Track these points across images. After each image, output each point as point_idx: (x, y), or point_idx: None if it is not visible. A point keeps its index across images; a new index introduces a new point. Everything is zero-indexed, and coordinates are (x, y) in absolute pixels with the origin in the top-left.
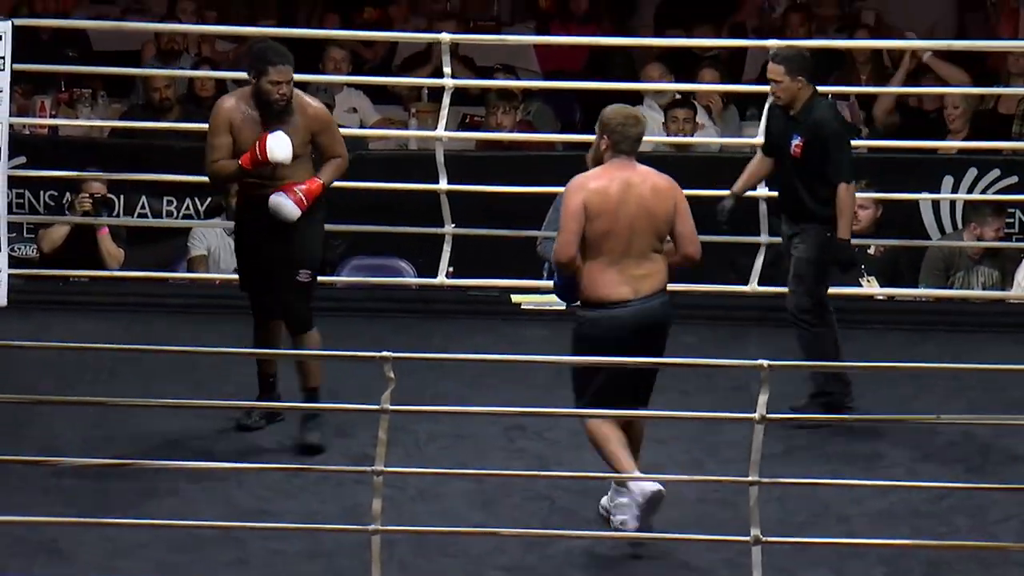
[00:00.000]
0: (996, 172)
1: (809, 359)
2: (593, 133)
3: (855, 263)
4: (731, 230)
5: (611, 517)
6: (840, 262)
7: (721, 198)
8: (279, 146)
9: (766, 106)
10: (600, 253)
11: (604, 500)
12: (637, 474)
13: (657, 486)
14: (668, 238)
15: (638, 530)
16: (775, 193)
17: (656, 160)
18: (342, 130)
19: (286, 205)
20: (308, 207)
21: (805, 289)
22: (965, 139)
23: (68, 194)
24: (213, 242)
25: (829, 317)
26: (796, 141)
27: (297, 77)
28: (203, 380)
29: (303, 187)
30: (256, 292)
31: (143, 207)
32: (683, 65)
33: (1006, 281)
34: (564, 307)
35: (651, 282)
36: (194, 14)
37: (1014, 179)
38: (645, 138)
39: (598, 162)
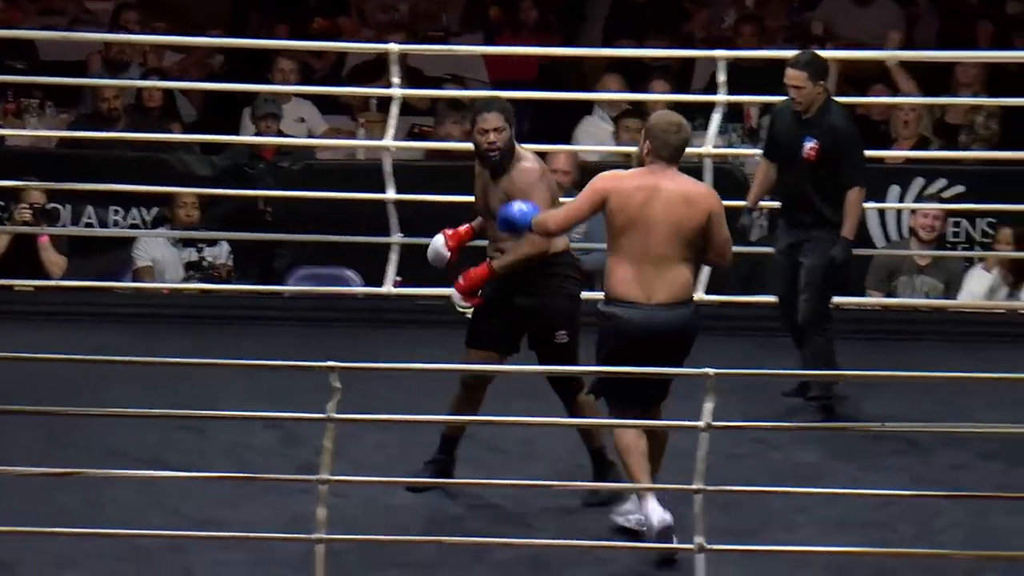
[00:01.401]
0: (943, 181)
1: (818, 367)
2: (542, 142)
3: (850, 265)
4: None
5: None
6: (841, 263)
7: (738, 212)
8: (432, 250)
9: (757, 112)
10: (620, 250)
11: (629, 513)
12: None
13: (669, 519)
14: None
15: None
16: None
17: (607, 169)
18: (289, 140)
19: (438, 250)
20: (464, 290)
21: (817, 297)
22: (912, 148)
23: (11, 205)
24: (158, 253)
25: (833, 323)
26: (811, 144)
27: (245, 87)
28: (150, 389)
29: (472, 270)
30: (484, 347)
31: (89, 217)
32: (633, 75)
33: (949, 291)
34: None
35: (669, 291)
36: (139, 24)
37: (961, 188)
38: (597, 148)
39: (639, 164)
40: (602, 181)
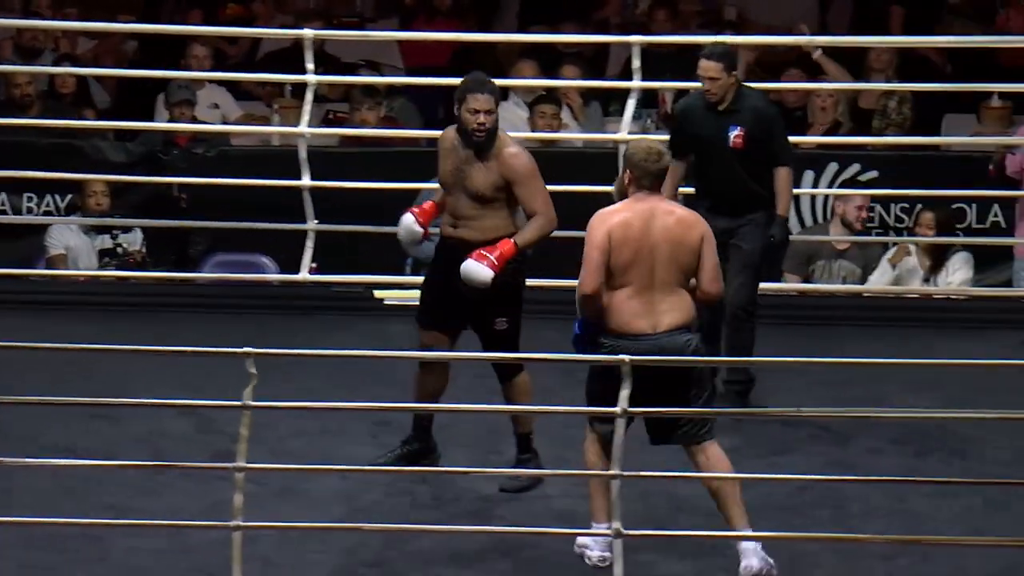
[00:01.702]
0: (857, 167)
1: (743, 353)
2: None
3: (788, 243)
4: None
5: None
6: (780, 242)
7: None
8: (400, 227)
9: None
10: (623, 284)
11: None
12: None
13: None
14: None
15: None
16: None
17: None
18: (203, 126)
19: (479, 272)
20: (500, 270)
21: (755, 281)
22: (825, 133)
23: None
24: (71, 241)
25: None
26: (736, 132)
27: (158, 73)
28: (64, 377)
29: (496, 252)
30: (433, 334)
31: (3, 204)
32: (547, 62)
33: (866, 277)
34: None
35: (672, 317)
36: (51, 10)
37: (874, 173)
38: (513, 134)
39: (622, 195)
40: (600, 222)
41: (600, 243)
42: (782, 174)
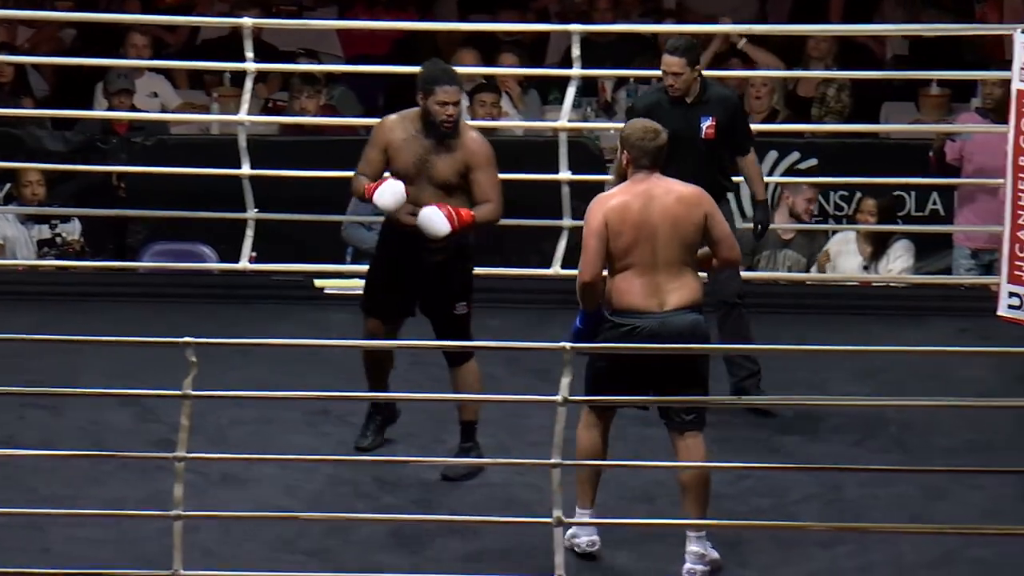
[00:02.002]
0: (796, 155)
1: (749, 340)
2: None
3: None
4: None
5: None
6: (764, 225)
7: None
8: (388, 193)
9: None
10: (627, 267)
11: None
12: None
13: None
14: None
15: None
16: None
17: None
18: (142, 115)
19: (436, 219)
20: (456, 231)
21: (739, 270)
22: (764, 121)
23: None
24: (9, 231)
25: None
26: (708, 122)
27: (97, 62)
28: (3, 367)
29: (456, 212)
30: (380, 322)
31: None
32: (487, 50)
33: (810, 266)
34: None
35: (679, 295)
36: None
37: (814, 161)
38: None
39: (622, 177)
40: (597, 208)
41: (597, 230)
42: (751, 159)
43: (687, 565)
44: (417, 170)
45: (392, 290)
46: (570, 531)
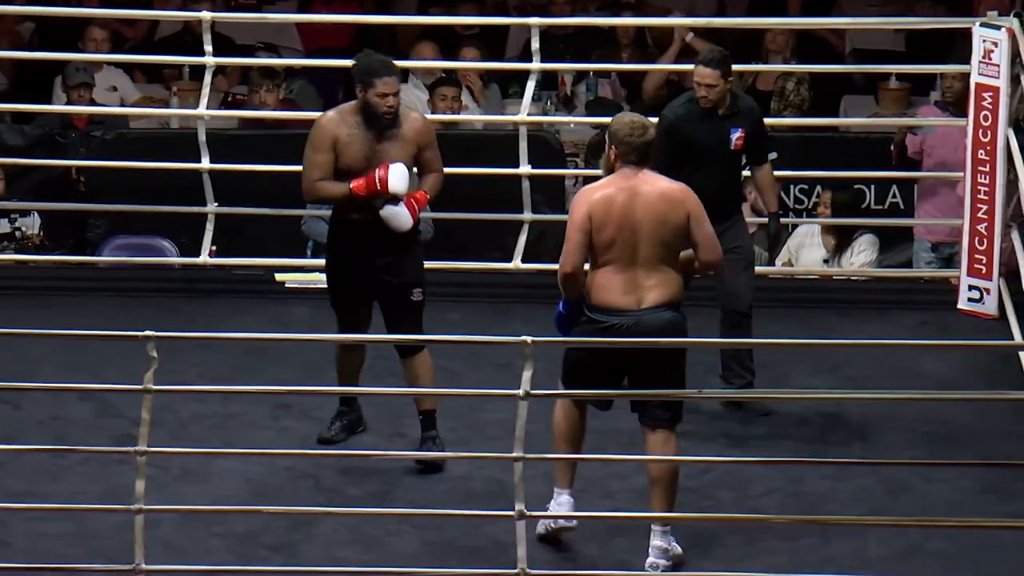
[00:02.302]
0: None
1: (748, 355)
2: None
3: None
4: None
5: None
6: (776, 236)
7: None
8: (401, 179)
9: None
10: (607, 262)
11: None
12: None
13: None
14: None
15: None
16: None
17: None
18: (101, 109)
19: (401, 215)
20: (417, 219)
21: (753, 280)
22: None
23: None
24: None
25: None
26: (737, 134)
27: (55, 56)
28: None
29: (413, 200)
30: (351, 312)
31: None
32: (447, 44)
33: (772, 257)
34: (326, 285)
35: (657, 293)
36: None
37: (773, 155)
38: None
39: (610, 171)
40: (582, 200)
41: (580, 222)
42: (768, 170)
43: (650, 559)
44: (368, 163)
45: (358, 281)
46: (553, 511)
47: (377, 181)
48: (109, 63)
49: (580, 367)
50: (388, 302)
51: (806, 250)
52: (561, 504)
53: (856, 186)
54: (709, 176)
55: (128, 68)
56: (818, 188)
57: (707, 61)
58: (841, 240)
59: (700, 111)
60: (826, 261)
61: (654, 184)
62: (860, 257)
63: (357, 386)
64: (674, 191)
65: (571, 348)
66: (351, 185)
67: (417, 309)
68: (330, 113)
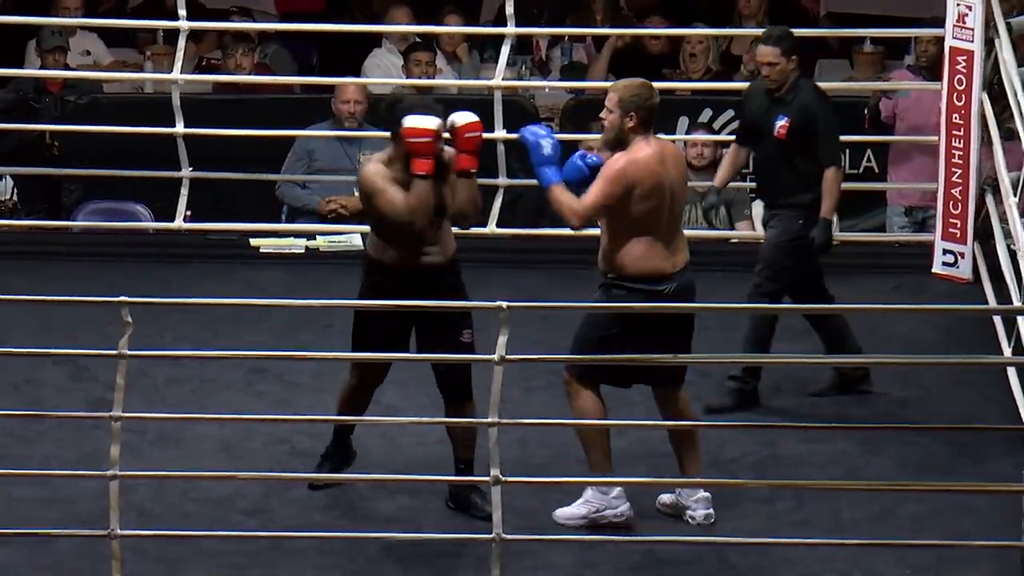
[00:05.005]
0: (730, 112)
1: (751, 338)
2: (331, 75)
3: (831, 245)
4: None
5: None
6: (821, 243)
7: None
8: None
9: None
10: (646, 232)
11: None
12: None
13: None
14: None
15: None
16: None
17: (396, 101)
18: (75, 73)
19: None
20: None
21: (769, 274)
22: (708, 73)
23: None
24: None
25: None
26: (782, 122)
27: (29, 20)
28: None
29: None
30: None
31: None
32: (421, 8)
33: (733, 217)
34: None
35: (683, 255)
36: None
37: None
38: (387, 81)
39: (617, 142)
40: (631, 169)
41: (618, 194)
42: (828, 175)
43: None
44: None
45: (390, 340)
46: (605, 509)
47: (439, 139)
48: (83, 27)
49: (617, 344)
50: (436, 345)
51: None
52: (618, 496)
53: None
54: (760, 157)
55: (102, 33)
56: None
57: (766, 39)
58: None
59: (766, 88)
60: None
61: (670, 147)
62: None
63: (353, 425)
64: (678, 150)
65: (608, 326)
66: (419, 172)
67: (468, 351)
68: (376, 167)
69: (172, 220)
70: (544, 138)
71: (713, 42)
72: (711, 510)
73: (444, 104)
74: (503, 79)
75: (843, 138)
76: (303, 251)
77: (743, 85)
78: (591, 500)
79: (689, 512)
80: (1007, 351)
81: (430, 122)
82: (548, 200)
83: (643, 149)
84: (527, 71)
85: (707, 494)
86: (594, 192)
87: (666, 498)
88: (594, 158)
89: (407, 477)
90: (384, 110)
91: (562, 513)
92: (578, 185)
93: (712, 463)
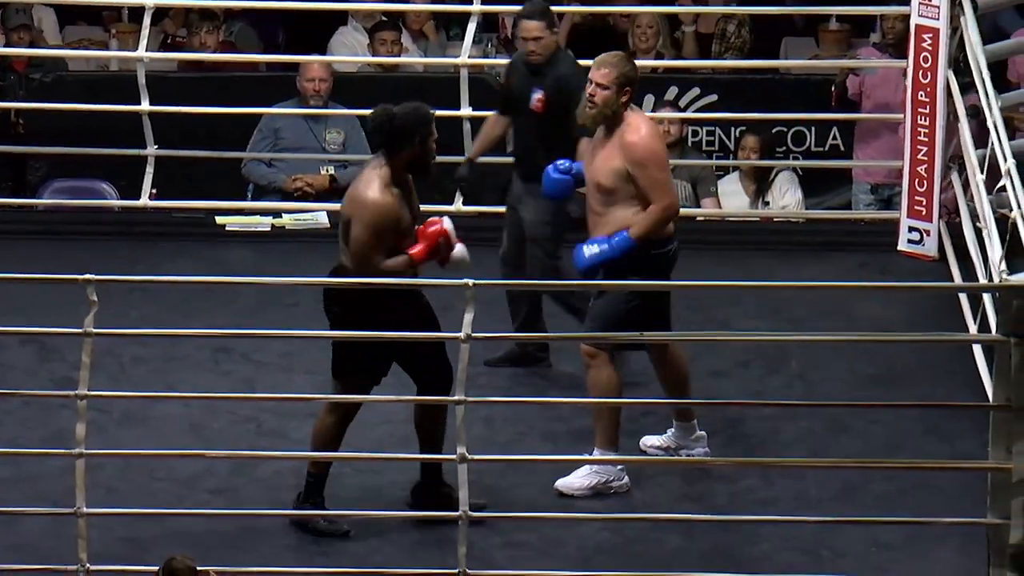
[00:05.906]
0: (696, 90)
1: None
2: (297, 53)
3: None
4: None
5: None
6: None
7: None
8: (462, 249)
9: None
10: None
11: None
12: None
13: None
14: None
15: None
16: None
17: (363, 82)
18: (39, 51)
19: (463, 250)
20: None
21: (545, 252)
22: (659, 57)
23: None
24: None
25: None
26: (537, 95)
27: None
28: None
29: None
30: (373, 383)
31: None
32: None
33: (699, 198)
34: (268, 228)
35: None
36: None
37: (714, 97)
38: (352, 59)
39: (607, 117)
40: (660, 141)
41: (664, 161)
42: (582, 146)
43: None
44: (413, 219)
45: (365, 353)
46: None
47: (440, 248)
48: (48, 4)
49: (646, 314)
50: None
51: (729, 198)
52: (622, 467)
53: (796, 128)
54: (519, 130)
55: (67, 10)
56: (739, 131)
57: (529, 14)
58: (760, 183)
59: (524, 63)
60: (754, 204)
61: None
62: (787, 196)
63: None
64: None
65: (629, 298)
66: (411, 253)
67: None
68: (386, 196)
69: (137, 198)
70: (587, 245)
71: (663, 26)
72: (708, 448)
73: (412, 83)
74: (469, 56)
75: (810, 116)
76: (269, 229)
77: (711, 63)
78: (599, 471)
79: (685, 451)
80: (972, 329)
81: (448, 224)
82: (641, 242)
83: (643, 120)
84: (493, 48)
85: (703, 433)
86: (661, 178)
87: (654, 440)
88: (568, 163)
89: (371, 455)
90: (378, 124)
91: (566, 483)
92: (565, 195)
93: None
